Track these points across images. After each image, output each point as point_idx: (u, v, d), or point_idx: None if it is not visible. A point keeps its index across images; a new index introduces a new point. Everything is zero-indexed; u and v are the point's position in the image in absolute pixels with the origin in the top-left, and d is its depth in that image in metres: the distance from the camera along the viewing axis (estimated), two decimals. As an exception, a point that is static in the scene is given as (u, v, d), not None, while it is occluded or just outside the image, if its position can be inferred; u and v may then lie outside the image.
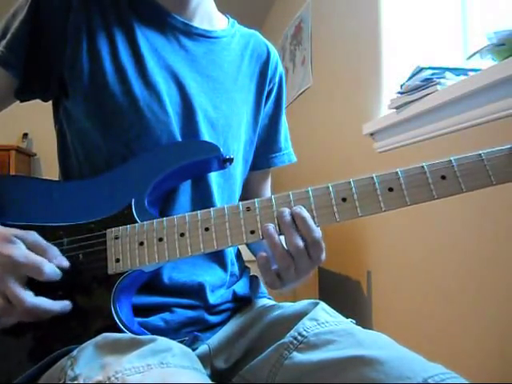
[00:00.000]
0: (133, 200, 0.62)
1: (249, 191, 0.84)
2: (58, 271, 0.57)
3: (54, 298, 0.57)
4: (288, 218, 0.55)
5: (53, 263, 0.57)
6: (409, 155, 1.32)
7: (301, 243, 0.55)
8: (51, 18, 0.65)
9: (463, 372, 0.50)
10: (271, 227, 0.55)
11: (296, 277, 0.57)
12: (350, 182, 0.55)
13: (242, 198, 0.79)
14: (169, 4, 0.72)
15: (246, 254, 0.82)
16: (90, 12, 0.67)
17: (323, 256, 0.57)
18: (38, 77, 0.67)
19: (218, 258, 0.72)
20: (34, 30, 0.65)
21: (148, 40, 0.69)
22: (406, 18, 1.48)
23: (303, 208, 0.55)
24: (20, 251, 0.55)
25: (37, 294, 0.55)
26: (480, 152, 0.52)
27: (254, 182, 0.85)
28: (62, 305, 0.57)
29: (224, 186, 0.74)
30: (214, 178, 0.71)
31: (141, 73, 0.66)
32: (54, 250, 0.58)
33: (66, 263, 0.58)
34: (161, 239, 0.58)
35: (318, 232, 0.55)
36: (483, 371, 1.01)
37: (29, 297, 0.54)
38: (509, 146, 0.52)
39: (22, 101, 0.71)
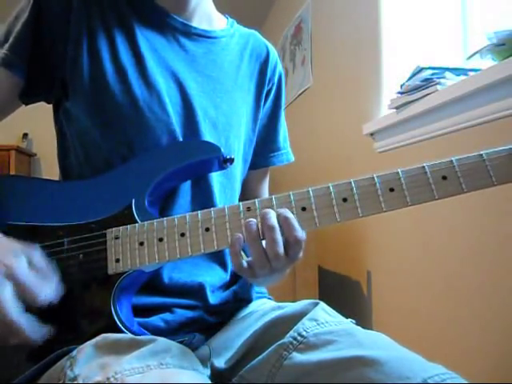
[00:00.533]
0: (133, 200, 0.62)
1: (247, 190, 0.84)
2: (49, 300, 0.53)
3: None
4: (272, 219, 0.54)
5: (46, 290, 0.53)
6: (409, 155, 1.32)
7: (281, 250, 0.54)
8: (53, 20, 0.66)
9: (463, 372, 0.50)
10: (253, 223, 0.55)
11: (269, 273, 0.57)
12: (350, 183, 0.55)
13: (240, 198, 0.79)
14: (168, 4, 0.72)
15: (246, 254, 0.82)
16: (91, 13, 0.67)
17: (301, 254, 0.58)
18: (41, 78, 0.67)
19: (218, 258, 0.72)
20: (37, 32, 0.66)
21: (148, 40, 0.69)
22: (405, 18, 1.49)
23: (288, 210, 0.55)
24: (21, 265, 0.52)
25: None
26: (481, 152, 0.52)
27: (253, 181, 0.85)
28: (40, 334, 0.53)
29: (226, 185, 0.74)
30: (215, 177, 0.71)
31: (141, 73, 0.67)
32: (53, 278, 0.55)
33: (59, 293, 0.55)
34: (161, 239, 0.58)
35: (300, 232, 0.55)
36: (483, 371, 1.01)
37: (15, 311, 0.50)
38: (510, 147, 0.52)
39: (26, 104, 0.71)
